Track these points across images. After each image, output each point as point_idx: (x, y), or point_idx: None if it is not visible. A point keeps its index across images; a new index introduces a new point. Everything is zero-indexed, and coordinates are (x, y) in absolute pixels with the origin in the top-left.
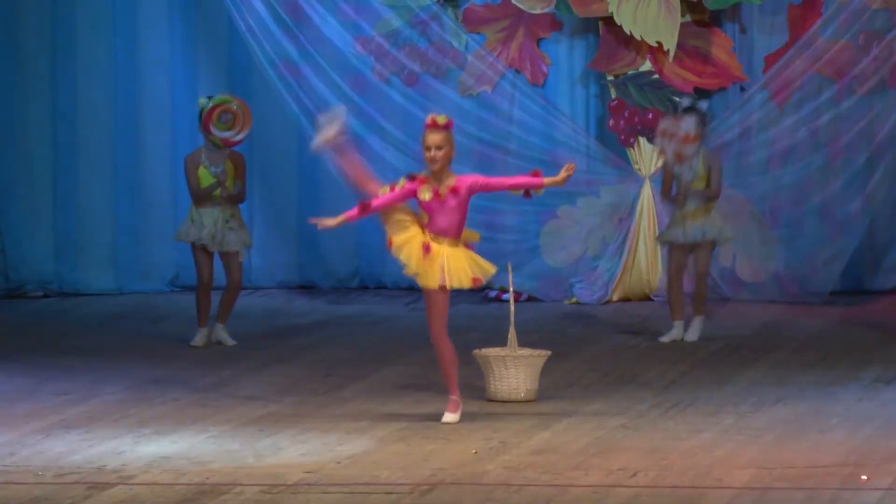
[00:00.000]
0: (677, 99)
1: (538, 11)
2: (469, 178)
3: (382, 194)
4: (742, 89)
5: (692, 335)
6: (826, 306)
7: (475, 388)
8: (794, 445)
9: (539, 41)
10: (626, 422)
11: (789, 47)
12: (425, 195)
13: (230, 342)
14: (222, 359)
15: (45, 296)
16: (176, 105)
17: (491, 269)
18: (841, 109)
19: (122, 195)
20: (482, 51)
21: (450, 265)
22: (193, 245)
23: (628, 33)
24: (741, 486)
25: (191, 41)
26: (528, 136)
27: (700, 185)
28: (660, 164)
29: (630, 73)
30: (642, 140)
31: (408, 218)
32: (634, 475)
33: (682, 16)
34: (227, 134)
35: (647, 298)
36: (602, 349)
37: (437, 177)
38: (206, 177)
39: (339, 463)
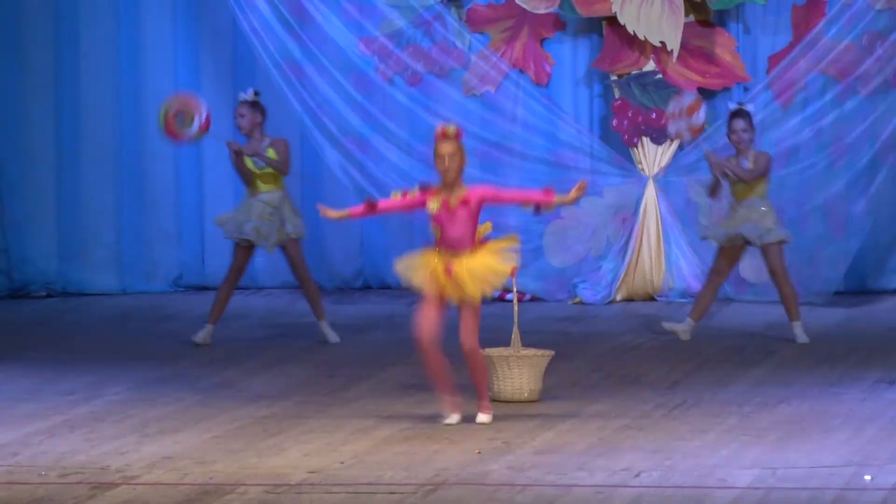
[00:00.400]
0: (732, 105)
1: (542, 11)
2: (480, 189)
3: (393, 198)
4: (745, 89)
5: (801, 338)
6: (830, 307)
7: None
8: (797, 445)
9: (542, 41)
10: (630, 422)
11: (793, 47)
12: (434, 206)
13: (334, 338)
14: (226, 359)
15: (49, 296)
16: None
17: (505, 268)
18: (844, 110)
19: (125, 195)
20: (486, 51)
21: (475, 275)
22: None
23: (632, 33)
24: (745, 486)
25: (194, 41)
26: (531, 136)
27: (750, 187)
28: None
29: (634, 72)
30: (646, 140)
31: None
32: (638, 475)
33: (686, 16)
34: (194, 127)
35: (651, 299)
36: (606, 349)
37: (448, 187)
38: (253, 168)
39: (342, 463)
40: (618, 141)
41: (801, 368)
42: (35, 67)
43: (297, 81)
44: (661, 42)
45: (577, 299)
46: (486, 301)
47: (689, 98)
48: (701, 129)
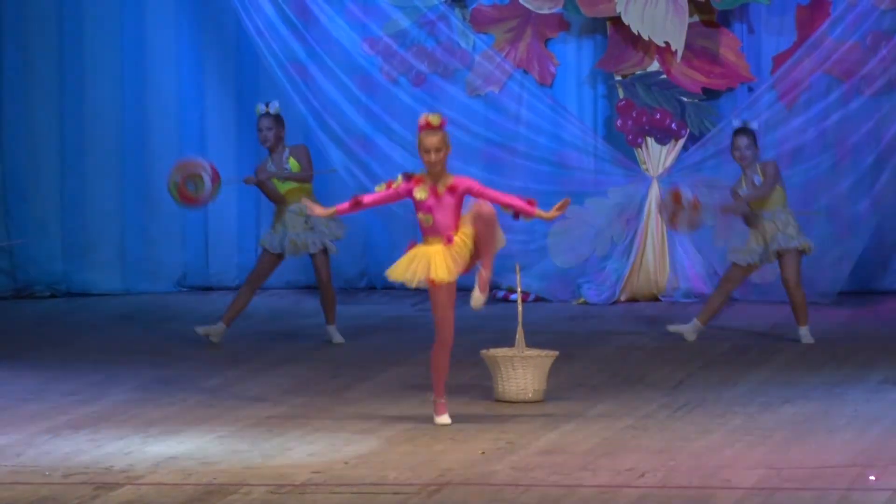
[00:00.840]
0: (735, 123)
1: (546, 11)
2: (466, 180)
3: (378, 191)
4: (750, 90)
5: (806, 339)
6: (834, 307)
7: (483, 388)
8: (802, 446)
9: (547, 41)
10: (635, 422)
11: (797, 48)
12: (421, 194)
13: (339, 339)
14: (229, 359)
15: (53, 296)
16: (183, 106)
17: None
18: (849, 110)
19: (129, 195)
20: (490, 51)
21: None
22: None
23: (636, 33)
24: (749, 486)
25: (198, 42)
26: (535, 137)
27: (766, 198)
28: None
29: (638, 73)
30: (650, 140)
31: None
32: (642, 476)
33: (690, 16)
34: (207, 185)
35: (656, 299)
36: (610, 350)
37: (434, 176)
38: (279, 184)
39: (346, 463)
40: (622, 141)
41: (806, 369)
42: (39, 68)
43: (301, 82)
44: (666, 42)
45: (581, 299)
46: (492, 301)
47: (685, 200)
48: (698, 225)
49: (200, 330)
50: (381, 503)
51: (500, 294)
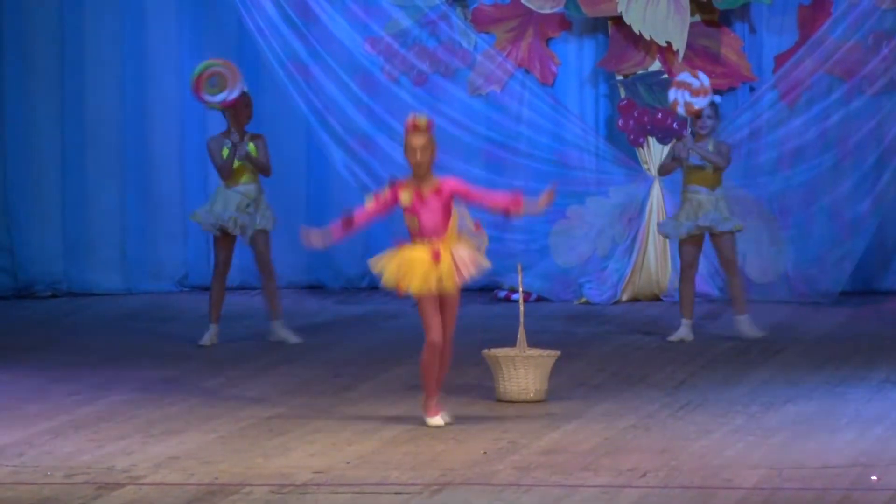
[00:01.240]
0: None
1: (547, 11)
2: (452, 182)
3: (367, 206)
4: (751, 89)
5: (750, 333)
6: (836, 307)
7: (484, 388)
8: (803, 446)
9: (548, 41)
10: (636, 422)
11: (799, 47)
12: (406, 198)
13: (293, 339)
14: (231, 359)
15: (54, 296)
16: (185, 105)
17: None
18: (850, 109)
19: (130, 195)
20: (491, 50)
21: (461, 259)
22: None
23: (637, 33)
24: (751, 486)
25: (200, 41)
26: (537, 136)
27: (708, 172)
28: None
29: (639, 72)
30: (651, 140)
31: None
32: (644, 475)
33: (692, 15)
34: (220, 97)
35: (657, 299)
36: (612, 349)
37: (419, 179)
38: (229, 157)
39: (348, 463)
40: (623, 141)
41: (807, 368)
42: (40, 67)
43: (302, 81)
44: (667, 42)
45: (582, 299)
46: (493, 301)
47: (700, 82)
48: (698, 113)
49: (205, 341)
50: (383, 503)
51: (502, 294)
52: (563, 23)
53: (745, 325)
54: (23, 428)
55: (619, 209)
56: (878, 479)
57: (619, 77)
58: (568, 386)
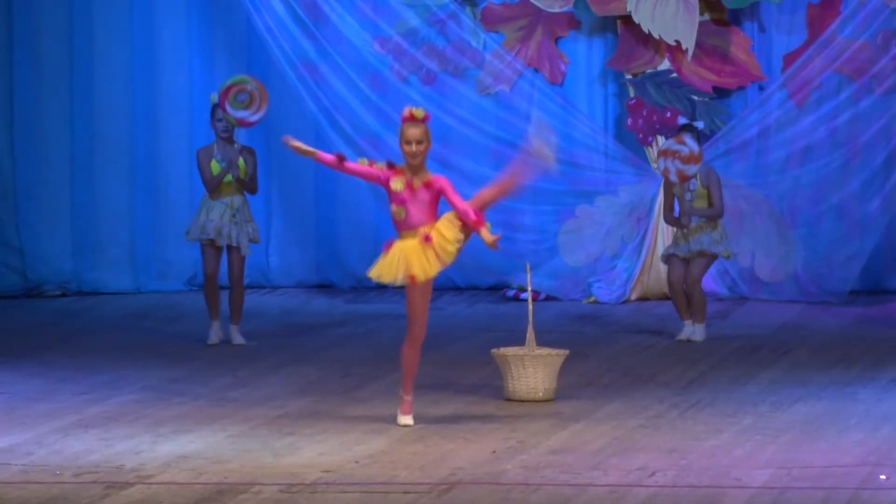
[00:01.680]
0: (681, 120)
1: (556, 10)
2: (443, 181)
3: (360, 162)
4: (760, 88)
5: (698, 336)
6: (845, 306)
7: (493, 387)
8: (812, 445)
9: (557, 40)
10: (645, 421)
11: (808, 46)
12: (398, 185)
13: (241, 341)
14: (240, 358)
15: (63, 295)
16: (194, 105)
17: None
18: (859, 108)
19: (139, 195)
20: (500, 49)
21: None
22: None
23: (647, 32)
24: (760, 485)
25: (209, 41)
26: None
27: (701, 203)
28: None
29: (648, 71)
30: (661, 139)
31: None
32: (653, 475)
33: (701, 14)
34: (242, 114)
35: (666, 298)
36: (620, 349)
37: (412, 170)
38: (217, 169)
39: (357, 462)
40: (632, 140)
41: (816, 368)
42: (50, 68)
43: (311, 81)
44: (676, 41)
45: (591, 298)
46: (502, 300)
47: (691, 144)
48: (688, 179)
49: (212, 340)
50: (392, 502)
51: (511, 293)
52: (573, 22)
53: (700, 332)
54: (32, 427)
55: (629, 208)
56: (887, 477)
57: (629, 76)
58: (577, 385)
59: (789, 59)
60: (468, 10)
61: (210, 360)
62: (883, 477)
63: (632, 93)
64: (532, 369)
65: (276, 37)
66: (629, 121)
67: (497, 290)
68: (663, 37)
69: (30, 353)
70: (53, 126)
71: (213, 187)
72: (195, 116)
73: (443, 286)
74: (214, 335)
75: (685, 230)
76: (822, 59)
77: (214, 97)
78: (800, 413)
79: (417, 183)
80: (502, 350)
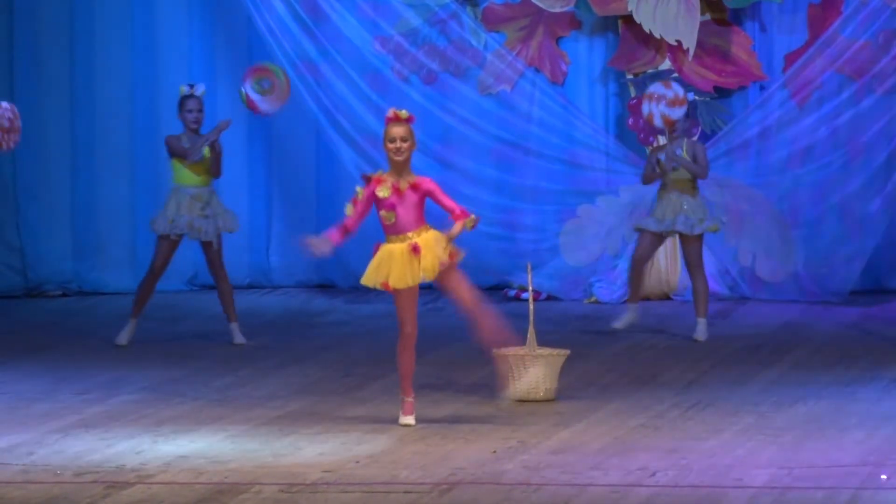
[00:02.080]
0: (696, 97)
1: (557, 10)
2: (429, 182)
3: (349, 214)
4: (761, 88)
5: (700, 335)
6: (846, 306)
7: (494, 387)
8: (813, 445)
9: (558, 40)
10: (646, 421)
11: (809, 46)
12: (384, 192)
13: (242, 340)
14: (241, 358)
15: (64, 295)
16: None
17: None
18: (861, 108)
19: (140, 194)
20: (501, 49)
21: (433, 243)
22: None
23: (648, 32)
24: (761, 485)
25: (210, 40)
26: (547, 135)
27: (687, 180)
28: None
29: (649, 71)
30: (661, 139)
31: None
32: (654, 475)
33: (702, 14)
34: (257, 97)
35: (667, 298)
36: (621, 348)
37: (397, 171)
38: (181, 165)
39: (357, 462)
40: (633, 140)
41: (817, 368)
42: (50, 67)
43: (312, 80)
44: (677, 41)
45: (592, 298)
46: (503, 300)
47: (676, 89)
48: (673, 124)
49: (121, 341)
50: (393, 502)
51: (512, 293)
52: (574, 22)
53: (702, 328)
54: (32, 427)
55: (630, 208)
56: (888, 477)
57: (630, 76)
58: (577, 385)
59: (790, 58)
60: (469, 9)
61: (211, 359)
62: (884, 477)
63: (633, 93)
64: (533, 369)
65: (276, 36)
66: (630, 120)
67: (498, 290)
68: (664, 37)
69: (30, 353)
70: (54, 126)
71: (192, 154)
72: None
73: None
74: (127, 335)
75: (663, 204)
76: (823, 59)
77: (184, 89)
78: (800, 413)
79: (404, 185)
80: (503, 350)
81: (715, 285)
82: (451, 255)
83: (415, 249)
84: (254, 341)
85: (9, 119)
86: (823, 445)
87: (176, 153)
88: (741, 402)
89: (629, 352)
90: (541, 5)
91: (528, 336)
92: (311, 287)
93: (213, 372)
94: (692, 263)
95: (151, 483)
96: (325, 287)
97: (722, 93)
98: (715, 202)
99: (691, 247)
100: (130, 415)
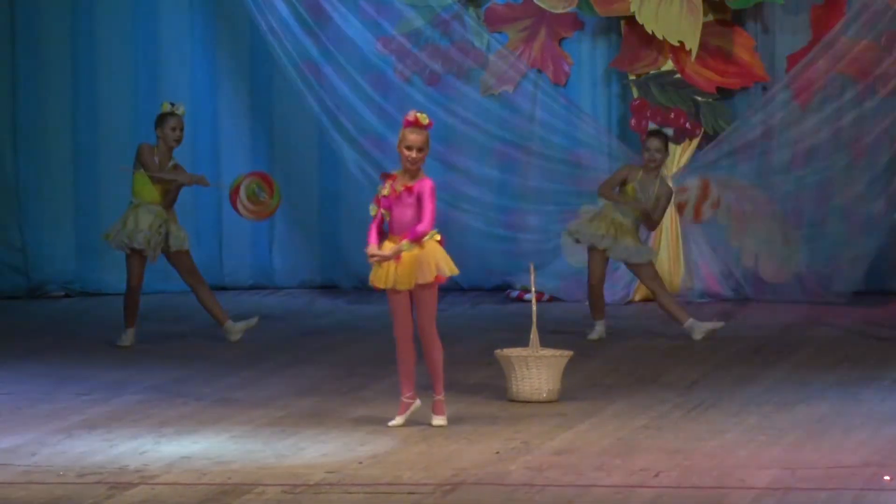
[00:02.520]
0: (652, 125)
1: (560, 11)
2: (424, 184)
3: (373, 214)
4: (764, 89)
5: (701, 332)
6: (849, 307)
7: (497, 388)
8: (816, 446)
9: (561, 41)
10: (649, 422)
11: (812, 47)
12: (385, 190)
13: (237, 337)
14: (243, 359)
15: (67, 295)
16: (196, 106)
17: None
18: (863, 109)
19: None
20: (504, 50)
21: (429, 258)
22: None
23: (650, 33)
24: (764, 486)
25: (212, 41)
26: (550, 136)
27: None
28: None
29: (652, 72)
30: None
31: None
32: (657, 475)
33: (705, 15)
34: (241, 196)
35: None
36: (624, 349)
37: (410, 175)
38: (143, 180)
39: (360, 463)
40: (636, 141)
41: (820, 369)
42: (52, 67)
43: (314, 81)
44: (680, 42)
45: None
46: (506, 301)
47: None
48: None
49: (124, 342)
50: (396, 503)
51: (515, 294)
52: (576, 23)
53: (695, 328)
54: (35, 428)
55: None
56: (891, 479)
57: (632, 77)
58: (580, 386)
59: (793, 59)
60: (472, 10)
61: (213, 360)
62: (887, 478)
63: (635, 93)
64: (536, 370)
65: (278, 37)
66: (633, 121)
67: (500, 290)
68: (667, 38)
69: (33, 353)
70: (56, 126)
71: (160, 175)
72: (198, 117)
73: (446, 287)
74: (127, 339)
75: (614, 221)
76: (826, 60)
77: (167, 106)
78: (804, 414)
79: (399, 186)
80: (506, 351)
81: (718, 286)
82: (438, 277)
83: (397, 259)
84: (259, 341)
85: None
86: (826, 446)
87: (146, 165)
88: (744, 403)
89: (632, 353)
90: (543, 6)
91: (531, 337)
92: (314, 288)
93: (215, 373)
94: (650, 286)
95: (154, 484)
96: (328, 288)
97: (725, 94)
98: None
99: (642, 272)
100: (133, 415)
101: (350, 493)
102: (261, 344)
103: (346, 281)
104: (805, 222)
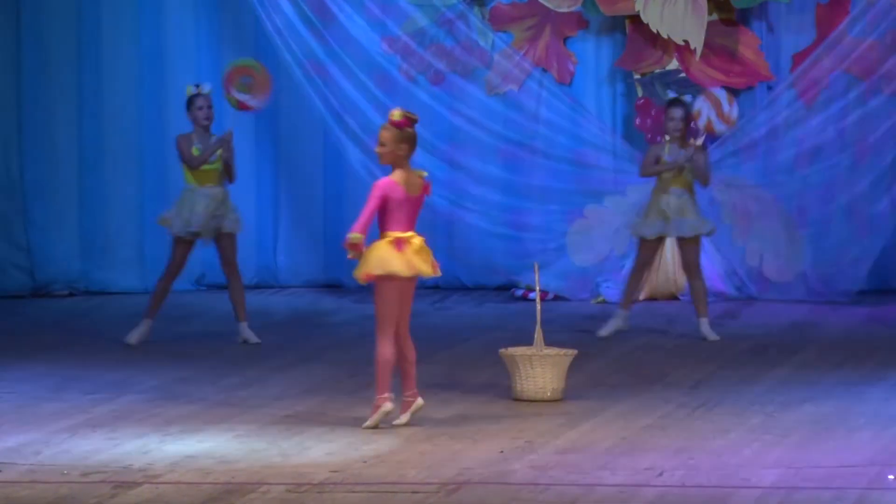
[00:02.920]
0: (670, 93)
1: (565, 10)
2: (380, 183)
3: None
4: (769, 88)
5: (710, 335)
6: (853, 306)
7: (501, 387)
8: (820, 445)
9: (566, 40)
10: (653, 421)
11: (816, 46)
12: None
13: (255, 339)
14: (248, 358)
15: (71, 294)
16: None
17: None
18: (868, 108)
19: (147, 194)
20: (509, 49)
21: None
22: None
23: (655, 32)
24: (768, 485)
25: (217, 41)
26: (554, 135)
27: (686, 177)
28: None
29: (657, 71)
30: (668, 139)
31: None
32: (661, 475)
33: (709, 14)
34: (244, 97)
35: (674, 298)
36: (629, 348)
37: (393, 171)
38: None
39: (365, 462)
40: (641, 140)
41: (825, 368)
42: (58, 68)
43: (319, 80)
44: (685, 41)
45: (600, 298)
46: (510, 300)
47: (730, 109)
48: (711, 133)
49: (132, 339)
50: (400, 502)
51: (519, 293)
52: (581, 22)
53: (706, 327)
54: (40, 426)
55: (637, 208)
56: None
57: (637, 76)
58: (585, 385)
59: (798, 58)
60: (476, 10)
61: (218, 359)
62: (891, 477)
63: (640, 92)
64: (540, 369)
65: (284, 36)
66: (637, 120)
67: (505, 289)
68: (672, 36)
69: (38, 352)
70: (61, 125)
71: (199, 163)
72: None
73: (451, 286)
74: (138, 335)
75: (659, 207)
76: (830, 58)
77: (191, 89)
78: (808, 413)
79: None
80: (510, 350)
81: (722, 285)
82: (367, 276)
83: (397, 245)
84: (262, 340)
85: None
86: (831, 445)
87: (184, 159)
88: (749, 402)
89: (636, 352)
90: (548, 5)
91: (536, 336)
92: (319, 287)
93: (220, 372)
94: (692, 264)
95: (159, 483)
96: (333, 287)
97: (730, 92)
98: (722, 201)
99: (691, 249)
100: (138, 414)
101: (354, 492)
102: (265, 343)
103: (351, 280)
104: (810, 221)
